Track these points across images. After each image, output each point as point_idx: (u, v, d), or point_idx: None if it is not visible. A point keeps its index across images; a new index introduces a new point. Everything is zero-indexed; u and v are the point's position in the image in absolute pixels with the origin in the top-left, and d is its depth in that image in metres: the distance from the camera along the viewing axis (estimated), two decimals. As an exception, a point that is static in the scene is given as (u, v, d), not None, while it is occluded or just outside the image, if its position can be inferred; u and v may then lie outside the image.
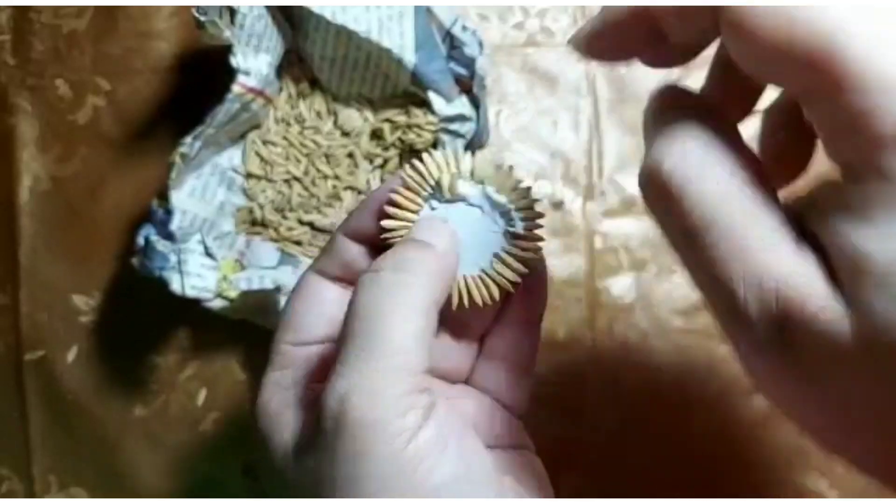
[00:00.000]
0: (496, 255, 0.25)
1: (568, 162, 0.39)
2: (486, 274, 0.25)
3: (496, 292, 0.25)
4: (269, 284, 0.34)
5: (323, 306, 0.25)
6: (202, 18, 0.32)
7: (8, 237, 0.40)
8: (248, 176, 0.38)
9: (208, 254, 0.36)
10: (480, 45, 0.36)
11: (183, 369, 0.40)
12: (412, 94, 0.37)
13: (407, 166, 0.25)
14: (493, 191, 0.24)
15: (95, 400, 0.40)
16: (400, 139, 0.38)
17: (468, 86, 0.36)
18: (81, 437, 0.40)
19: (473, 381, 0.27)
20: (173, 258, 0.34)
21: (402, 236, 0.24)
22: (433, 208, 0.25)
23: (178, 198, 0.34)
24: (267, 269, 0.36)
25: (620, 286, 0.38)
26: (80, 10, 0.40)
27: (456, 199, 0.25)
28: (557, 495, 0.25)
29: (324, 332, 0.25)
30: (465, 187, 0.24)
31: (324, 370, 0.22)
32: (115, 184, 0.40)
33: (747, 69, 0.18)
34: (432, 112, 0.36)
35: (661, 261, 0.38)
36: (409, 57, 0.35)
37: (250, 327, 0.37)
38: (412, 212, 0.24)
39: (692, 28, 0.19)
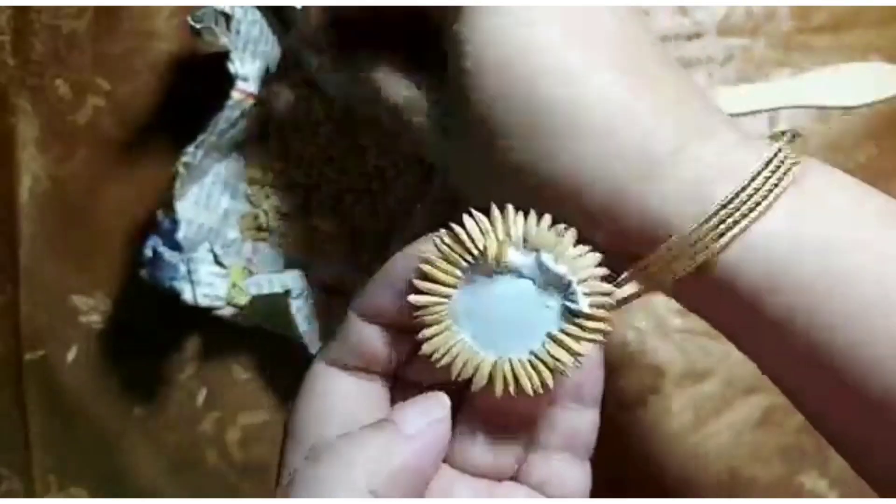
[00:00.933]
0: (550, 336, 0.21)
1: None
2: (538, 357, 0.21)
3: (549, 379, 0.21)
4: (277, 288, 0.34)
5: (335, 407, 0.22)
6: (197, 26, 0.32)
7: (8, 237, 0.40)
8: (251, 182, 0.38)
9: (217, 262, 0.36)
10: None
11: (183, 369, 0.40)
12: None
13: (444, 232, 0.21)
14: (551, 259, 0.20)
15: (95, 400, 0.40)
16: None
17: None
18: (81, 437, 0.40)
19: (523, 475, 0.24)
20: (182, 268, 0.33)
21: (436, 314, 0.21)
22: (473, 281, 0.21)
23: (182, 207, 0.34)
24: (275, 274, 0.36)
25: (619, 286, 0.38)
26: (80, 10, 0.40)
27: (503, 270, 0.21)
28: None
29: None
30: (517, 256, 0.20)
31: None
32: (115, 184, 0.40)
33: None
34: None
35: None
36: None
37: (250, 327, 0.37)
38: (448, 286, 0.21)
39: None
